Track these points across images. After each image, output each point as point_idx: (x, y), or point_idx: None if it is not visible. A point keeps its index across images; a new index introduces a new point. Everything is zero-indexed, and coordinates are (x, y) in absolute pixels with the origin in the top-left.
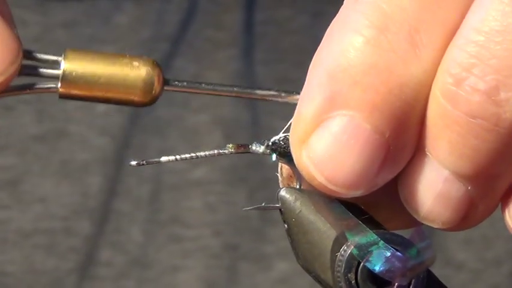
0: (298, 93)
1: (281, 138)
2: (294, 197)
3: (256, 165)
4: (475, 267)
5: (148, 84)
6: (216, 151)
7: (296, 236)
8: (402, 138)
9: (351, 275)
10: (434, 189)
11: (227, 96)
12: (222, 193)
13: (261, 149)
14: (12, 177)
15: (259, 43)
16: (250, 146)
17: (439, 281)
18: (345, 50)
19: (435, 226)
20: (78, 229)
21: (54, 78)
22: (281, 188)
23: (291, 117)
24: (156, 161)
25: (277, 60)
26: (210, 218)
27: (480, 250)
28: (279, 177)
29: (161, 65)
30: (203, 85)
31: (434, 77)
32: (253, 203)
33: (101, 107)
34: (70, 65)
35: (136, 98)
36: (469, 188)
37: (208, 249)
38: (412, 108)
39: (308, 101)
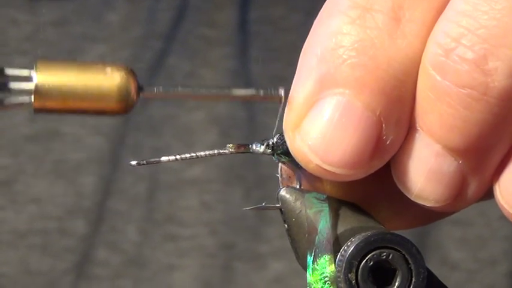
0: (277, 93)
1: (280, 137)
2: (294, 196)
3: (252, 163)
4: (470, 267)
5: (122, 91)
6: (216, 151)
7: (296, 235)
8: (394, 115)
9: (351, 275)
10: (426, 165)
11: (206, 99)
12: (218, 192)
13: (261, 148)
14: (5, 177)
15: (253, 41)
16: (250, 146)
17: (440, 282)
18: (331, 32)
19: (428, 204)
20: (73, 229)
21: (28, 92)
22: (281, 188)
23: None
24: (156, 161)
25: (271, 59)
26: (206, 217)
27: (475, 250)
28: (279, 178)
29: (154, 63)
30: (180, 89)
31: (423, 51)
32: (249, 202)
33: None
34: (42, 77)
35: (112, 106)
36: (461, 162)
37: (204, 248)
38: (402, 84)
39: (299, 87)
